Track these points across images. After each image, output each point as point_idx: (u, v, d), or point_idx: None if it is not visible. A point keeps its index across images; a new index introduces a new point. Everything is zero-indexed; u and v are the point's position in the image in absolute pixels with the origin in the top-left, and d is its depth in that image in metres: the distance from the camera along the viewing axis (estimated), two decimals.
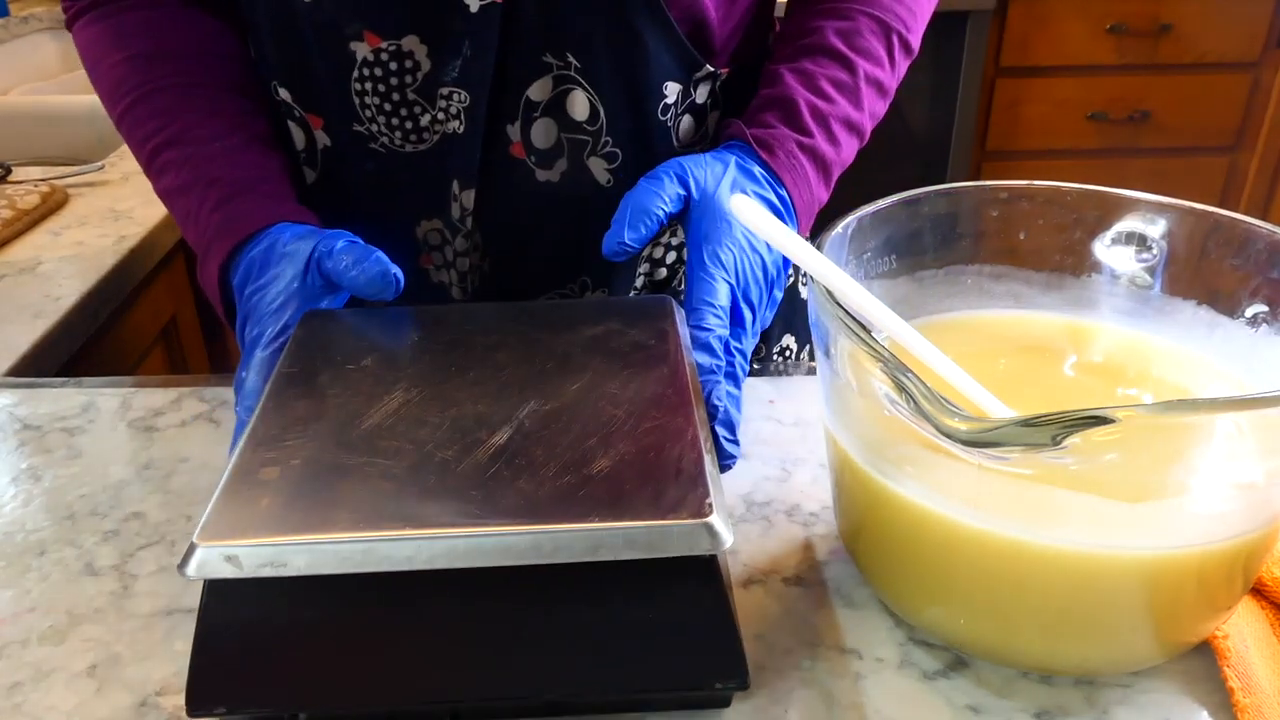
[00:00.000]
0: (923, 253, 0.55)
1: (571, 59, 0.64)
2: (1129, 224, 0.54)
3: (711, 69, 0.68)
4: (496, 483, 0.42)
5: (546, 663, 0.42)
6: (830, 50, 0.68)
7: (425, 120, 0.66)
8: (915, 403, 0.39)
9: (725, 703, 0.44)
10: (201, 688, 0.42)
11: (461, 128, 0.66)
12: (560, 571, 0.40)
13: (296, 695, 0.42)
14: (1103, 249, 0.55)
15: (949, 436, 0.38)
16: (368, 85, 0.65)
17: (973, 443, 0.38)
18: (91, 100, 1.55)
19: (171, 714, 0.45)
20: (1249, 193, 2.44)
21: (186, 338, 1.11)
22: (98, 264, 0.91)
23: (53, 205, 1.02)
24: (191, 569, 0.39)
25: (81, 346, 0.86)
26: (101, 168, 1.13)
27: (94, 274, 0.90)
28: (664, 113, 0.68)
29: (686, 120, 0.70)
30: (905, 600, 0.47)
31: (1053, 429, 0.37)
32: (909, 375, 0.39)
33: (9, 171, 1.10)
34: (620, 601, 0.42)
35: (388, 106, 0.66)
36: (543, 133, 0.66)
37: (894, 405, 0.40)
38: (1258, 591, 0.49)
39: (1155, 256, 0.54)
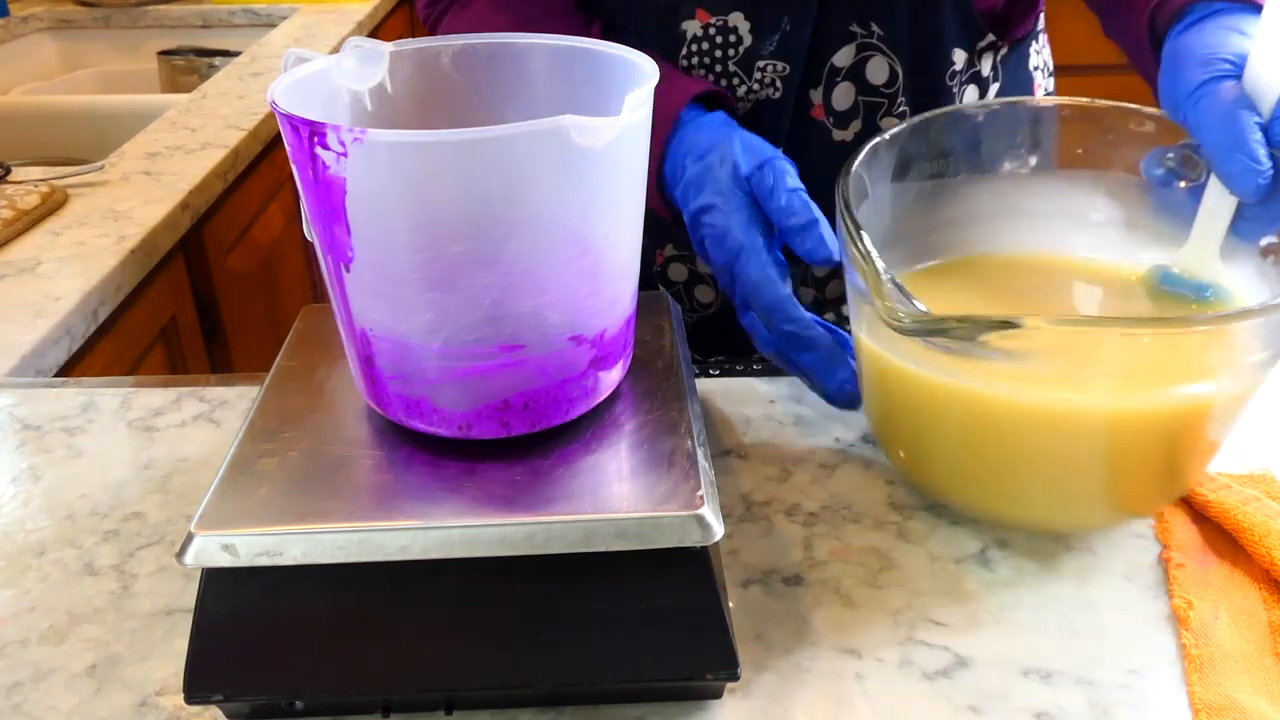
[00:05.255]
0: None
1: (875, 27, 0.71)
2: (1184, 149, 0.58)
3: (994, 38, 0.75)
4: (490, 474, 0.43)
5: (540, 653, 0.43)
6: None
7: (741, 91, 0.73)
8: (875, 292, 0.46)
9: (717, 694, 0.45)
10: (199, 676, 0.42)
11: (777, 94, 0.72)
12: (554, 562, 0.41)
13: (293, 683, 0.43)
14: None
15: (893, 324, 0.45)
16: (694, 60, 0.73)
17: (911, 331, 0.45)
18: (91, 100, 1.56)
19: (171, 714, 0.45)
20: None
21: (186, 338, 1.11)
22: (98, 264, 0.91)
23: (53, 205, 1.02)
24: (190, 557, 0.40)
25: (81, 346, 0.86)
26: (101, 168, 1.12)
27: (94, 274, 0.90)
28: (951, 79, 0.74)
29: (971, 90, 0.77)
30: (915, 469, 0.55)
31: (970, 327, 0.43)
32: (883, 272, 0.46)
33: (9, 171, 1.10)
34: (612, 593, 0.42)
35: (710, 79, 0.72)
36: (843, 96, 0.73)
37: (863, 296, 0.48)
38: (1262, 571, 0.51)
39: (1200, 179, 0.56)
